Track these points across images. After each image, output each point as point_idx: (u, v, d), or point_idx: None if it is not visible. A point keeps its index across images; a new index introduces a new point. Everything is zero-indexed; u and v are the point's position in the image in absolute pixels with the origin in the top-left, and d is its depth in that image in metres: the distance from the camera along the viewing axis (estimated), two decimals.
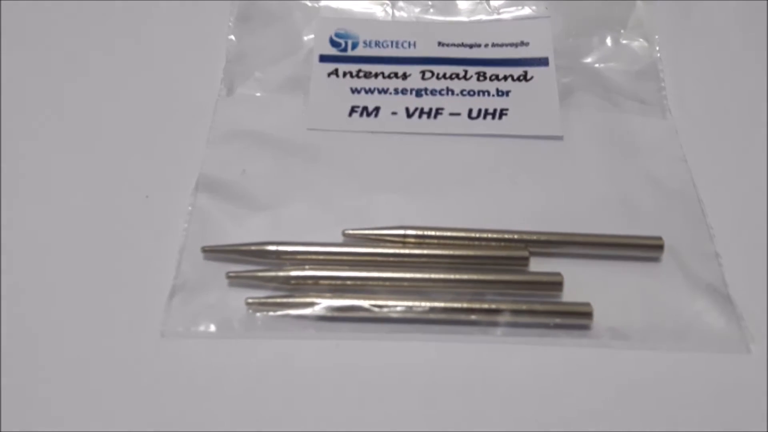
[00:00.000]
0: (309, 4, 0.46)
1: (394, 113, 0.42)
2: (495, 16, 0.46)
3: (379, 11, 0.46)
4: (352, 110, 0.42)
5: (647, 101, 0.43)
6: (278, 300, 0.34)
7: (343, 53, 0.44)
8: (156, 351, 0.33)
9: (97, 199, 0.38)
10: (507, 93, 0.43)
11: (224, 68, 0.43)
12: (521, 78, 0.43)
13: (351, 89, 0.43)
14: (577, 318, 0.34)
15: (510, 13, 0.46)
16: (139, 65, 0.44)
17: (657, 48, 0.45)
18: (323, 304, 0.34)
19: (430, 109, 0.42)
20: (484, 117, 0.42)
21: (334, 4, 0.46)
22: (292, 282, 0.35)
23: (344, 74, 0.43)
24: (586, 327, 0.34)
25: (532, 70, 0.44)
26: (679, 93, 0.44)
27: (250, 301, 0.34)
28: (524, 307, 0.34)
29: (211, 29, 0.45)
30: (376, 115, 0.42)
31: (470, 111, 0.42)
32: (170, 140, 0.41)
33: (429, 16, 0.46)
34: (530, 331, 0.34)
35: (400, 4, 0.46)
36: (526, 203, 0.39)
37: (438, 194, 0.39)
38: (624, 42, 0.46)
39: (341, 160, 0.40)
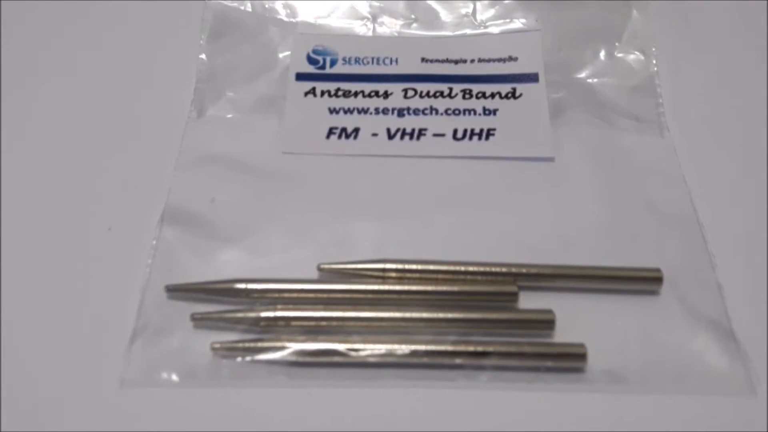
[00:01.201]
0: (285, 19, 0.44)
1: (374, 134, 0.40)
2: (482, 30, 0.44)
3: (359, 26, 0.44)
4: (330, 132, 0.40)
5: (644, 118, 0.41)
6: (246, 345, 0.31)
7: (321, 71, 0.42)
8: (114, 401, 0.31)
9: (55, 231, 0.36)
10: (494, 111, 0.40)
11: (195, 88, 0.41)
12: (510, 95, 0.41)
13: (329, 109, 0.40)
14: (570, 360, 0.32)
15: (498, 26, 0.44)
16: (103, 85, 0.42)
17: (654, 62, 0.43)
18: (295, 348, 0.31)
19: (413, 130, 0.40)
20: (470, 137, 0.39)
21: (311, 20, 0.44)
22: (262, 324, 0.32)
23: (322, 93, 0.41)
24: (579, 370, 0.32)
25: (521, 87, 0.41)
26: (677, 109, 0.41)
27: (216, 346, 0.32)
28: (513, 349, 0.32)
29: (181, 47, 0.43)
30: (355, 137, 0.39)
31: (455, 131, 0.40)
32: (136, 167, 0.38)
33: (412, 31, 0.44)
34: (520, 375, 0.31)
35: (382, 18, 0.44)
36: (515, 230, 0.36)
37: (421, 222, 0.36)
38: (619, 55, 0.43)
39: (318, 186, 0.38)
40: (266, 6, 0.44)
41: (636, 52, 0.43)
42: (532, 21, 0.44)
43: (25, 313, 0.33)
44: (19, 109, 0.40)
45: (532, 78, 0.42)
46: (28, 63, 0.42)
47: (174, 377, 0.31)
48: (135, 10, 0.45)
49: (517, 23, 0.44)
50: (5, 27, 0.44)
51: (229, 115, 0.40)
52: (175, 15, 0.44)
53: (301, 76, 0.42)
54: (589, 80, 0.42)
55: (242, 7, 0.44)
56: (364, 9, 0.44)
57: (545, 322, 0.32)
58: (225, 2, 0.44)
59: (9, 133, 0.39)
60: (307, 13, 0.44)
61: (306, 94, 0.41)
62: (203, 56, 0.42)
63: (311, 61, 0.42)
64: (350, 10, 0.44)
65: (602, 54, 0.43)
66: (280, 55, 0.43)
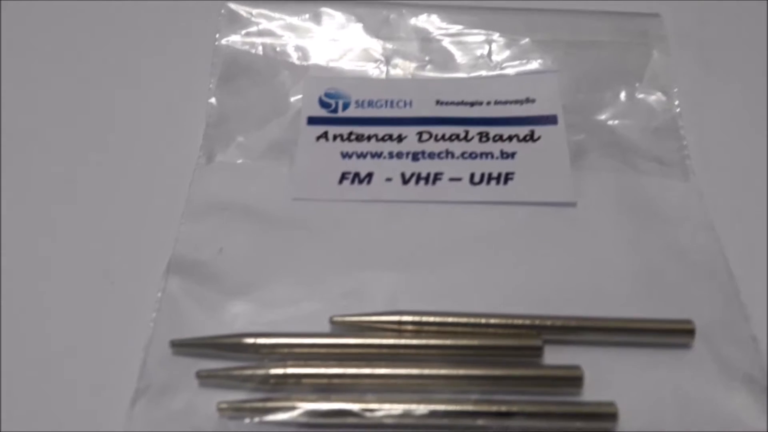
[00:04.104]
0: (296, 62, 0.43)
1: (388, 179, 0.38)
2: (498, 71, 0.43)
3: (372, 69, 0.43)
4: (343, 177, 0.38)
5: (667, 161, 0.39)
6: (254, 405, 0.30)
7: (334, 114, 0.41)
8: None
9: (55, 284, 0.34)
10: (512, 155, 0.39)
11: (204, 133, 0.40)
12: (528, 138, 0.40)
13: (341, 154, 0.39)
14: (601, 421, 0.30)
15: (514, 67, 0.43)
16: (109, 130, 0.40)
17: (676, 102, 0.41)
18: (306, 408, 0.30)
19: (428, 174, 0.38)
20: (488, 182, 0.38)
21: (323, 62, 0.43)
22: (272, 381, 0.31)
23: (334, 137, 0.40)
24: (609, 430, 0.30)
25: (539, 129, 0.40)
26: (702, 152, 0.40)
27: (223, 406, 0.30)
28: (539, 409, 0.30)
29: (190, 90, 0.42)
30: (368, 182, 0.38)
31: (472, 175, 0.38)
32: (141, 215, 0.37)
33: (426, 73, 0.43)
34: None
35: (395, 60, 0.43)
36: (537, 279, 0.35)
37: (437, 271, 0.35)
38: (640, 96, 0.42)
39: (330, 234, 0.36)
40: (277, 49, 0.43)
41: (657, 93, 0.42)
42: (549, 62, 0.43)
43: (22, 371, 0.32)
44: (21, 154, 0.39)
45: (551, 120, 0.40)
46: (31, 111, 0.41)
47: None
48: (143, 52, 0.44)
49: (534, 64, 0.43)
50: (5, 80, 0.43)
51: (239, 161, 0.39)
52: (184, 58, 0.43)
53: (312, 120, 0.41)
54: (610, 122, 0.41)
55: (253, 51, 0.43)
56: (377, 51, 0.43)
57: (573, 379, 0.31)
58: (236, 45, 0.43)
59: (9, 182, 0.38)
60: (318, 56, 0.43)
61: (318, 138, 0.40)
62: (213, 100, 0.41)
63: (323, 104, 0.41)
64: (363, 53, 0.43)
65: (622, 95, 0.42)
66: (292, 99, 0.41)
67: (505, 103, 0.41)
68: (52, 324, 0.33)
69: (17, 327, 0.33)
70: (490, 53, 0.43)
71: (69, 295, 0.34)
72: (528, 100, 0.41)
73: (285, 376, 0.31)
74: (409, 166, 0.39)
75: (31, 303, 0.34)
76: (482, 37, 0.44)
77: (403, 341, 0.32)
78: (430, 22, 0.44)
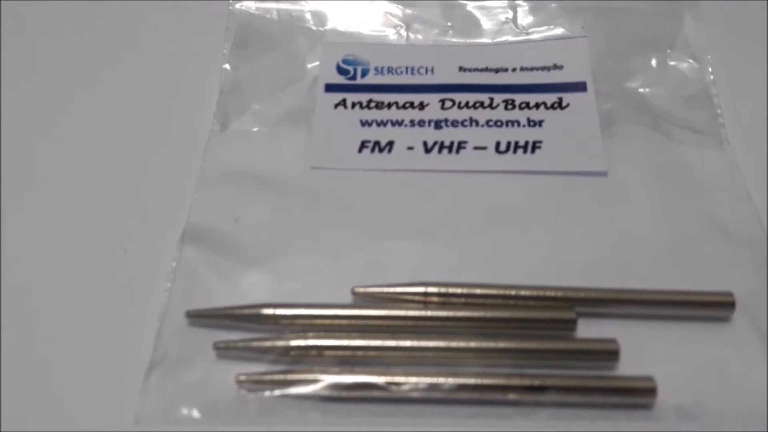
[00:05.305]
0: (313, 28, 0.41)
1: (410, 148, 0.37)
2: (524, 37, 0.41)
3: (392, 34, 0.41)
4: (362, 145, 0.37)
5: (701, 130, 0.38)
6: (275, 377, 0.29)
7: (352, 81, 0.39)
8: None
9: (66, 254, 0.33)
10: (540, 123, 0.37)
11: (218, 100, 0.38)
12: (556, 105, 0.38)
13: (361, 122, 0.38)
14: (638, 396, 0.28)
15: (541, 32, 0.41)
16: (120, 97, 0.39)
17: (709, 69, 0.40)
18: (329, 381, 0.28)
19: (452, 143, 0.37)
20: (515, 151, 0.36)
21: (341, 28, 0.41)
22: (292, 353, 0.29)
23: (353, 105, 0.38)
24: (647, 406, 0.28)
25: (567, 97, 0.38)
26: (737, 120, 0.38)
27: (241, 378, 0.29)
28: (574, 383, 0.28)
29: (203, 56, 0.40)
30: (389, 151, 0.37)
31: (498, 144, 0.37)
32: (154, 183, 0.36)
33: (448, 39, 0.41)
34: (582, 412, 0.28)
35: (416, 25, 0.41)
36: (566, 251, 0.33)
37: (463, 242, 0.33)
38: (671, 63, 0.40)
39: (350, 204, 0.35)
40: (293, 14, 0.42)
41: (690, 60, 0.40)
42: (577, 27, 0.41)
43: (32, 341, 0.31)
44: (33, 122, 0.38)
45: (580, 87, 0.39)
46: (43, 75, 0.40)
47: (195, 414, 0.28)
48: (155, 17, 0.42)
49: (561, 29, 0.41)
50: (21, 39, 0.42)
51: (255, 129, 0.38)
52: (197, 23, 0.42)
53: (330, 87, 0.39)
54: (641, 90, 0.39)
55: (268, 15, 0.41)
56: (396, 16, 0.42)
57: (609, 353, 0.29)
58: (250, 10, 0.41)
59: (24, 152, 0.37)
60: (336, 21, 0.41)
61: (336, 105, 0.38)
62: (227, 66, 0.40)
63: (341, 71, 0.40)
64: (382, 18, 0.42)
65: (653, 62, 0.40)
66: (309, 66, 0.40)
67: (532, 69, 0.40)
68: (66, 293, 0.32)
69: (31, 296, 0.32)
70: (515, 18, 0.42)
71: (82, 264, 0.33)
72: (556, 67, 0.40)
73: (306, 347, 0.29)
74: (431, 135, 0.37)
75: (45, 272, 0.33)
76: (506, 2, 0.42)
77: (429, 313, 0.30)
78: None
